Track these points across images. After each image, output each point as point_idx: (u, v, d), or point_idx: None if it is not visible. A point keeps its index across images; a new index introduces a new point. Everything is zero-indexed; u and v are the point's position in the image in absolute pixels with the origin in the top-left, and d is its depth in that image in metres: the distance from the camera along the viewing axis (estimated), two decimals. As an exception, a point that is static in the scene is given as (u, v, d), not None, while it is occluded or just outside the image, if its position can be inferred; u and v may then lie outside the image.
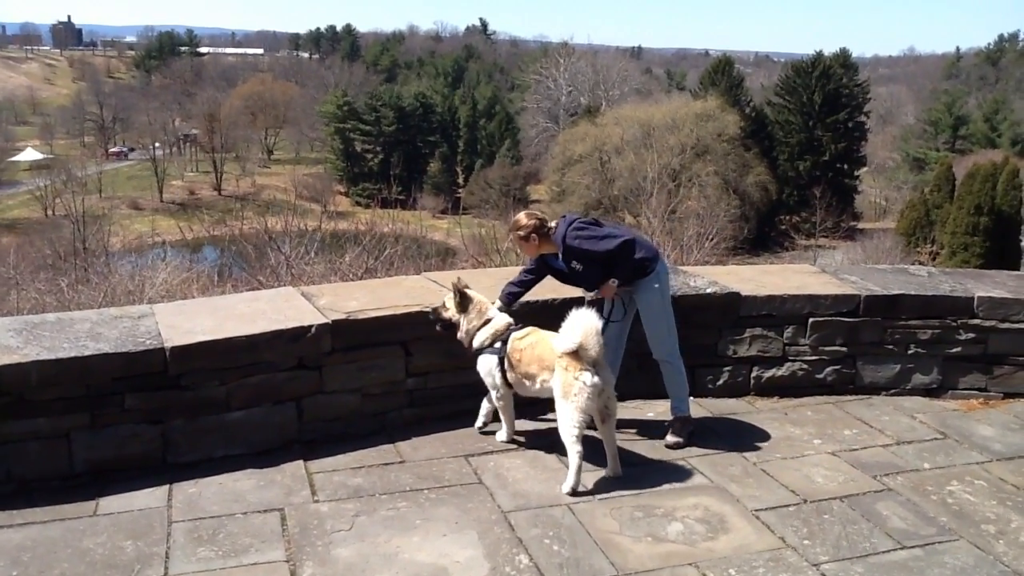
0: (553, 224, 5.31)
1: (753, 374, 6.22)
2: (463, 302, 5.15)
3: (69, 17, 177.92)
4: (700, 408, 5.94)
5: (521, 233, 5.29)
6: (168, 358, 4.79)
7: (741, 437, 5.49)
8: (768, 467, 5.05)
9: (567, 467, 4.85)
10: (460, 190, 67.56)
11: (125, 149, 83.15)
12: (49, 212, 54.99)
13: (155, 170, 69.13)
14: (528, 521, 4.39)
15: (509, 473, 4.91)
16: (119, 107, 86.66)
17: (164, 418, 4.88)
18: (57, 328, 5.02)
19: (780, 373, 6.22)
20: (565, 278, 5.41)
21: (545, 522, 4.38)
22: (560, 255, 5.22)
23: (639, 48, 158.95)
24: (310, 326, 5.21)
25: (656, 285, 5.33)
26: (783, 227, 57.11)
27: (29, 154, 74.63)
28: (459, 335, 5.19)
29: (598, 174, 51.84)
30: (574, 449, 4.64)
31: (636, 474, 4.94)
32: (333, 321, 5.26)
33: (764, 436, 5.51)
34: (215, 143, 75.78)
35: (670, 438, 5.34)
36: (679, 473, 4.98)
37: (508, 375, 5.04)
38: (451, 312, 5.18)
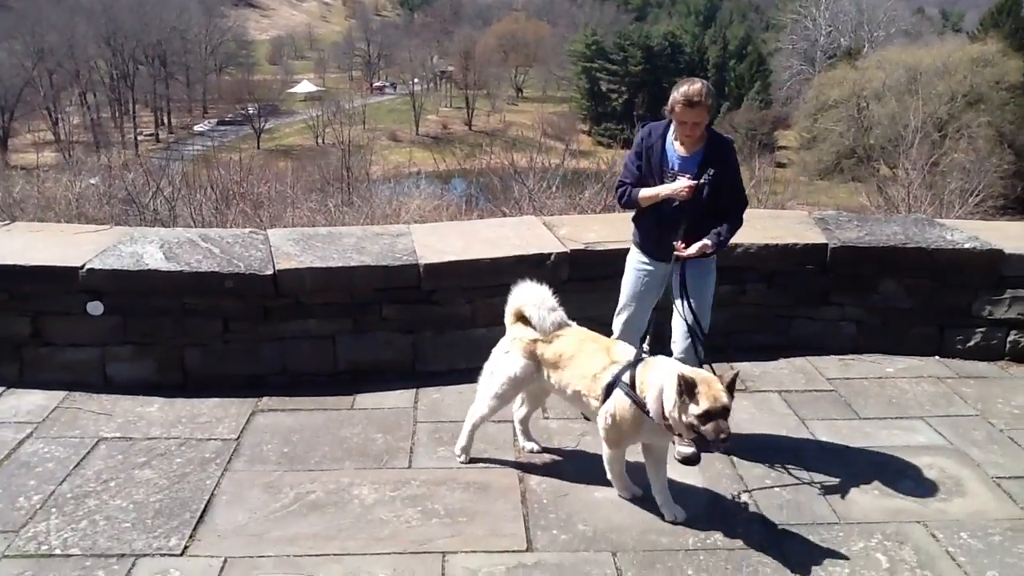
0: None
1: (1010, 338, 5.78)
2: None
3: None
4: (945, 369, 5.63)
5: (711, 105, 4.15)
6: (422, 274, 5.21)
7: (989, 402, 5.16)
8: (1017, 435, 4.74)
9: (794, 413, 4.89)
10: (705, 133, 65.85)
11: (387, 84, 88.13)
12: (319, 140, 59.65)
13: (413, 104, 72.89)
14: (753, 458, 4.44)
15: (736, 413, 4.91)
16: (384, 44, 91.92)
17: (415, 329, 5.34)
18: (328, 240, 5.59)
19: (1042, 340, 5.74)
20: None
21: (768, 462, 4.41)
22: (709, 150, 4.25)
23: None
24: (550, 254, 5.46)
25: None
26: (1065, 187, 50.88)
27: (305, 86, 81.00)
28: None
29: (854, 121, 48.51)
30: None
31: (868, 428, 4.81)
32: (572, 250, 5.47)
33: (1015, 403, 5.15)
34: (468, 80, 78.55)
35: (683, 448, 4.31)
36: (915, 432, 4.78)
37: None
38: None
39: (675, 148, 4.29)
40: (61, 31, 68.06)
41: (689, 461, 4.33)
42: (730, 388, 3.60)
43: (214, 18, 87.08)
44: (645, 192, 4.32)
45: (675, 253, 4.23)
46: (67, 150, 44.11)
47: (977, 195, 18.26)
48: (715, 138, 4.32)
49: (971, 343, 5.80)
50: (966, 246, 5.77)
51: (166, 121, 73.69)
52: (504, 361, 4.20)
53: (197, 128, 72.15)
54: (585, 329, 4.20)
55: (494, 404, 4.24)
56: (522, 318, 4.19)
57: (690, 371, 3.67)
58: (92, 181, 15.69)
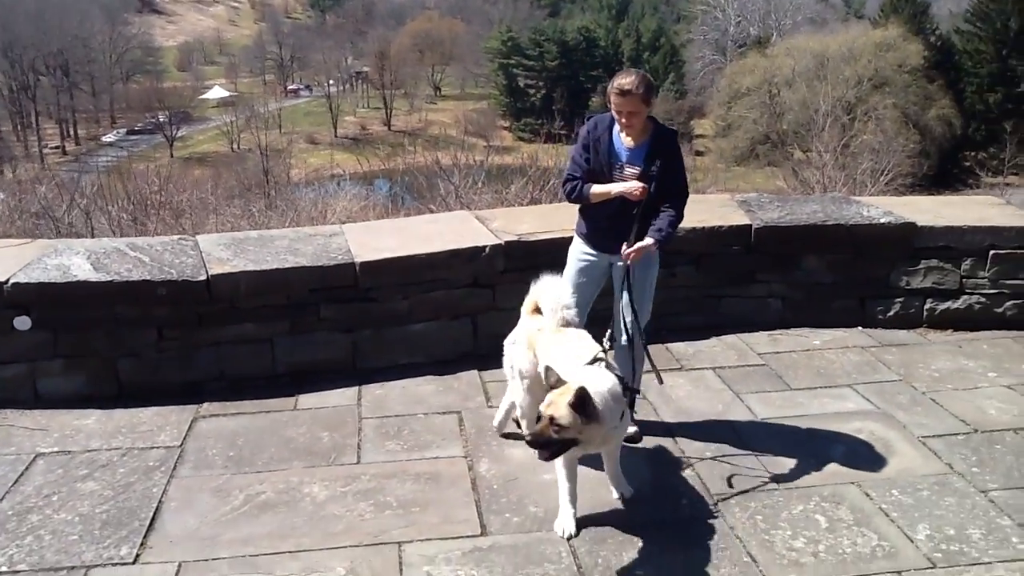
0: None
1: (927, 306, 6.07)
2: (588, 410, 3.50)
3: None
4: (868, 338, 5.88)
5: (646, 94, 4.15)
6: (358, 272, 5.22)
7: (910, 367, 5.42)
8: (938, 397, 4.99)
9: (729, 388, 5.05)
10: (623, 125, 66.65)
11: (302, 86, 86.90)
12: (235, 146, 58.52)
13: (330, 106, 72.06)
14: (692, 434, 4.58)
15: (673, 391, 5.08)
16: (296, 46, 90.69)
17: (354, 327, 5.34)
18: (259, 244, 5.55)
19: (955, 306, 6.03)
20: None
21: (708, 436, 4.55)
22: (654, 142, 4.28)
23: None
24: (484, 246, 5.51)
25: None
26: (967, 164, 53.02)
27: (217, 92, 79.33)
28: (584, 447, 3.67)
29: (766, 108, 49.85)
30: None
31: (800, 398, 5.01)
32: (505, 242, 5.54)
33: (935, 367, 5.42)
34: (385, 80, 78.02)
35: (633, 428, 4.43)
36: (844, 399, 5.00)
37: None
38: (573, 428, 3.48)
39: (622, 140, 4.30)
40: (-47, 43, 65.30)
41: (631, 440, 4.44)
42: (574, 405, 3.44)
43: (118, 25, 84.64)
44: (597, 189, 4.32)
45: (627, 262, 4.23)
46: (-29, 166, 42.43)
47: (888, 174, 19.01)
48: (660, 129, 4.35)
49: (891, 313, 6.07)
50: (882, 221, 6.03)
51: (72, 133, 71.33)
52: (515, 353, 4.25)
53: (106, 139, 70.11)
54: (584, 332, 4.11)
55: (527, 400, 4.20)
56: (538, 310, 4.22)
57: (567, 377, 3.61)
58: (-1, 196, 15.11)
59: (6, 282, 4.78)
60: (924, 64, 48.89)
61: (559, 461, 3.73)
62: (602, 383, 3.61)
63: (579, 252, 4.58)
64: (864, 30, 55.19)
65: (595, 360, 3.84)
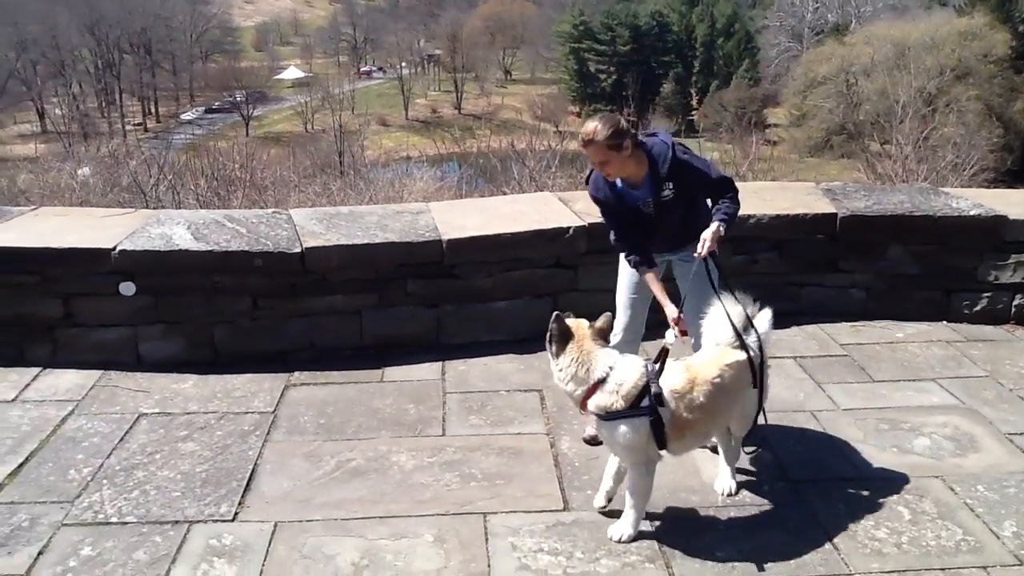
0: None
1: (1015, 302, 5.95)
2: (561, 338, 3.58)
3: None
4: (954, 333, 5.79)
5: (611, 140, 3.76)
6: (444, 249, 5.33)
7: (997, 364, 5.32)
8: (1027, 394, 4.91)
9: (810, 377, 5.02)
10: (694, 112, 65.72)
11: (374, 68, 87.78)
12: (309, 126, 59.45)
13: (401, 89, 72.66)
14: (773, 422, 4.57)
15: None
16: (370, 28, 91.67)
17: (438, 303, 5.47)
18: (350, 219, 5.70)
19: (1046, 303, 5.91)
20: (637, 224, 4.09)
21: (788, 424, 4.56)
22: (655, 173, 3.93)
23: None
24: (568, 227, 5.58)
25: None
26: (1054, 160, 51.09)
27: (292, 72, 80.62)
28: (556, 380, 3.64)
29: (843, 97, 48.70)
30: None
31: (883, 390, 4.97)
32: (589, 224, 5.58)
33: (1023, 364, 5.31)
34: (456, 63, 78.36)
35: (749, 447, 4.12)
36: (928, 393, 4.94)
37: (672, 440, 3.58)
38: (547, 340, 3.64)
39: (624, 184, 4.01)
40: (43, 21, 67.40)
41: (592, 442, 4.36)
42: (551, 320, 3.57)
43: (198, 5, 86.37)
44: (654, 285, 4.08)
45: (702, 255, 3.91)
46: (67, 140, 43.98)
47: (971, 168, 18.49)
48: (654, 154, 3.92)
49: (977, 307, 5.96)
50: (971, 213, 5.92)
51: (153, 110, 73.26)
52: None
53: (184, 116, 71.80)
54: (727, 350, 3.83)
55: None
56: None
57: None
58: (83, 171, 15.70)
59: (113, 249, 5.01)
60: (1011, 54, 47.11)
61: None
62: (612, 362, 3.55)
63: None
64: (948, 18, 53.37)
65: (662, 351, 3.70)
